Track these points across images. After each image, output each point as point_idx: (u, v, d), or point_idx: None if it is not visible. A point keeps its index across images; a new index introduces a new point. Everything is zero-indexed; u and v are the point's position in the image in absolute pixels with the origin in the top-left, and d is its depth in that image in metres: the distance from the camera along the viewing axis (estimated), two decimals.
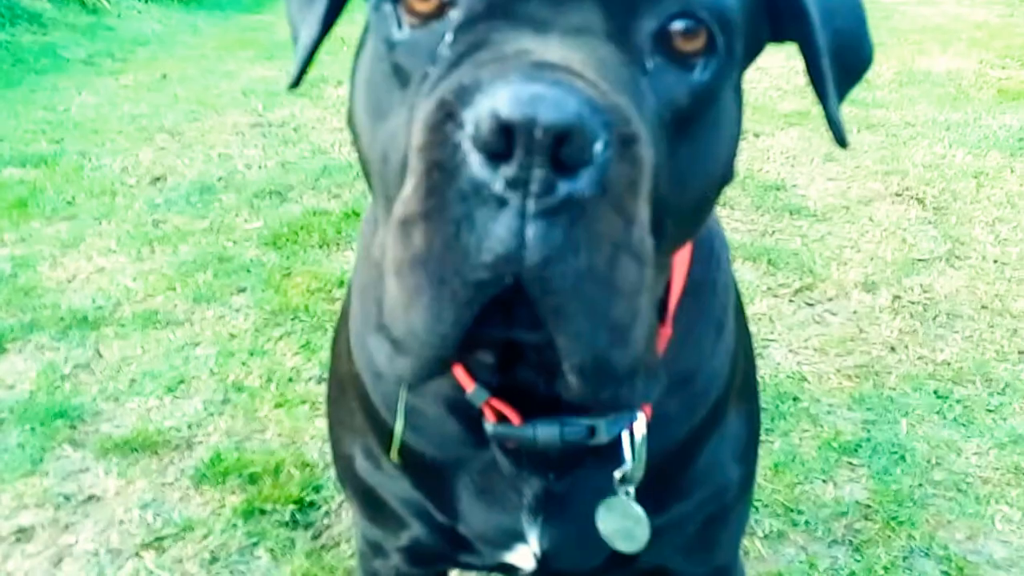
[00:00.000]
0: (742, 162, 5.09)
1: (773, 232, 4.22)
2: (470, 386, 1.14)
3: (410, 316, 0.83)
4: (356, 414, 1.42)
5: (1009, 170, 5.05)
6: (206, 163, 5.10)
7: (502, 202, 0.76)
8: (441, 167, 0.78)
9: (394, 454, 1.31)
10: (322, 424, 2.80)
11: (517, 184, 0.75)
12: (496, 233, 0.76)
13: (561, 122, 0.74)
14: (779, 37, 1.09)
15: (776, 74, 6.41)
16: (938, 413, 2.96)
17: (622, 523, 1.25)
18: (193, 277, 3.69)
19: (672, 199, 0.89)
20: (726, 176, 1.03)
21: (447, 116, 0.78)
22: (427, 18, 0.91)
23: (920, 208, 4.51)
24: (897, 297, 3.64)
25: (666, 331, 1.18)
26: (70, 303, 3.46)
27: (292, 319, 3.39)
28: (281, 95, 6.67)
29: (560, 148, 0.74)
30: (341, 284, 3.63)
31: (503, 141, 0.75)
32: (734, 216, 4.37)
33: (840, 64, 1.08)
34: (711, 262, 1.32)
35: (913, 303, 3.60)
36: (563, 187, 0.75)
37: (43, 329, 3.27)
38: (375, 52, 0.98)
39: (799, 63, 1.10)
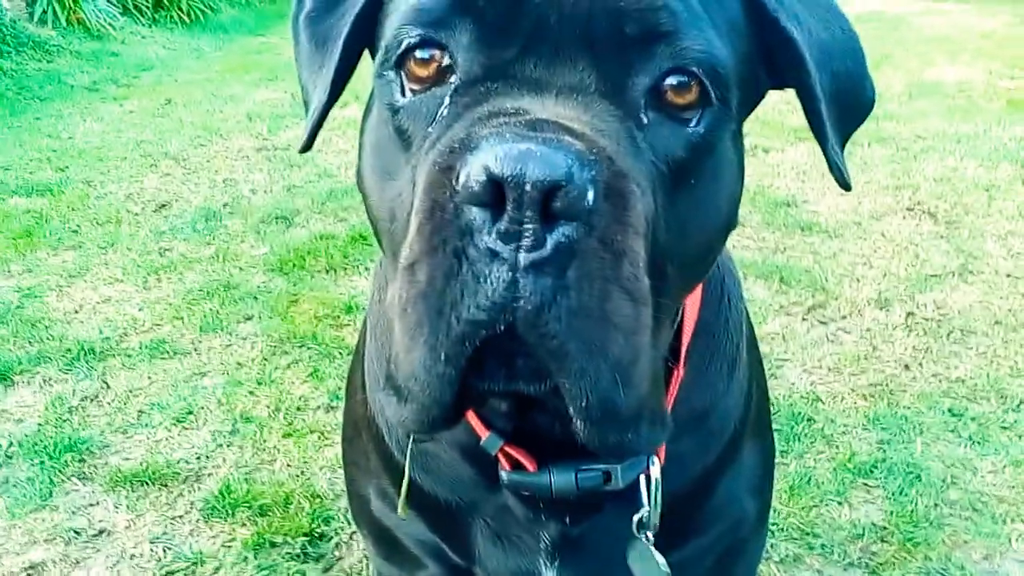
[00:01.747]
0: (752, 178, 5.09)
1: (785, 249, 4.19)
2: (484, 433, 1.14)
3: (411, 357, 0.84)
4: (371, 456, 1.41)
5: (1020, 182, 5.02)
6: (211, 189, 5.09)
7: (494, 254, 0.78)
8: (441, 216, 0.80)
9: (401, 510, 1.30)
10: (331, 454, 2.79)
11: (509, 238, 0.78)
12: (489, 283, 0.78)
13: (550, 178, 0.76)
14: (779, 83, 1.10)
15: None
16: (953, 431, 2.92)
17: (647, 568, 1.24)
18: (200, 305, 3.67)
19: (675, 248, 0.91)
20: (729, 224, 1.04)
21: (444, 171, 0.81)
22: (428, 83, 0.94)
23: (932, 222, 4.48)
24: (911, 314, 3.61)
25: (679, 372, 1.17)
26: (77, 334, 3.44)
27: (299, 347, 3.36)
28: (286, 118, 6.68)
29: (550, 202, 0.77)
30: (348, 310, 3.61)
31: (495, 196, 0.78)
32: (745, 234, 4.34)
33: (840, 106, 1.08)
34: (722, 301, 1.32)
35: (927, 320, 3.57)
36: (553, 238, 0.78)
37: (50, 361, 3.25)
38: (379, 117, 1.01)
39: None
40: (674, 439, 1.17)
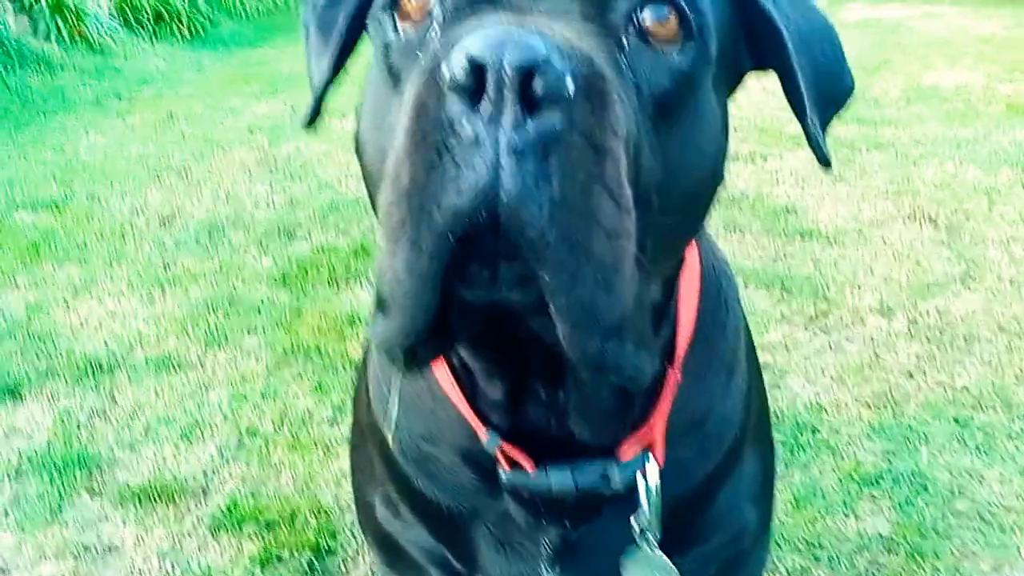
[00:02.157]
0: (751, 185, 5.13)
1: (785, 257, 4.20)
2: (484, 434, 1.16)
3: (393, 261, 0.84)
4: (376, 463, 1.43)
5: (1021, 186, 5.03)
6: (214, 202, 5.12)
7: (476, 139, 0.78)
8: (424, 114, 0.81)
9: (391, 441, 1.32)
10: (336, 468, 2.80)
11: (490, 120, 0.78)
12: (472, 166, 0.78)
13: (528, 59, 0.77)
14: (759, 63, 1.13)
15: (783, 95, 6.37)
16: (959, 441, 2.93)
17: (649, 574, 1.25)
18: (204, 319, 3.69)
19: (660, 183, 0.91)
20: (715, 174, 1.05)
21: (430, 72, 0.82)
22: (418, 20, 0.97)
23: (933, 228, 4.49)
24: (913, 321, 3.61)
25: (676, 376, 1.18)
26: (84, 348, 3.46)
27: (304, 359, 3.38)
28: (286, 130, 6.71)
29: (530, 86, 0.77)
30: (352, 322, 3.62)
31: (475, 80, 0.78)
32: (745, 241, 4.35)
33: (819, 91, 1.11)
34: (719, 304, 1.32)
35: (930, 327, 3.57)
36: (534, 122, 0.78)
37: (58, 376, 3.27)
38: (375, 63, 1.04)
39: None
40: (672, 445, 1.21)
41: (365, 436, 1.47)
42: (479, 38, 0.79)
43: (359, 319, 3.63)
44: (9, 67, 7.86)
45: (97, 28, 9.20)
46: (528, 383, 1.09)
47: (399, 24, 0.99)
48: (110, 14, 9.70)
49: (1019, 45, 9.00)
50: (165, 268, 4.22)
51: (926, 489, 2.71)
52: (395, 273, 0.84)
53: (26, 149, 6.17)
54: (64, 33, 8.88)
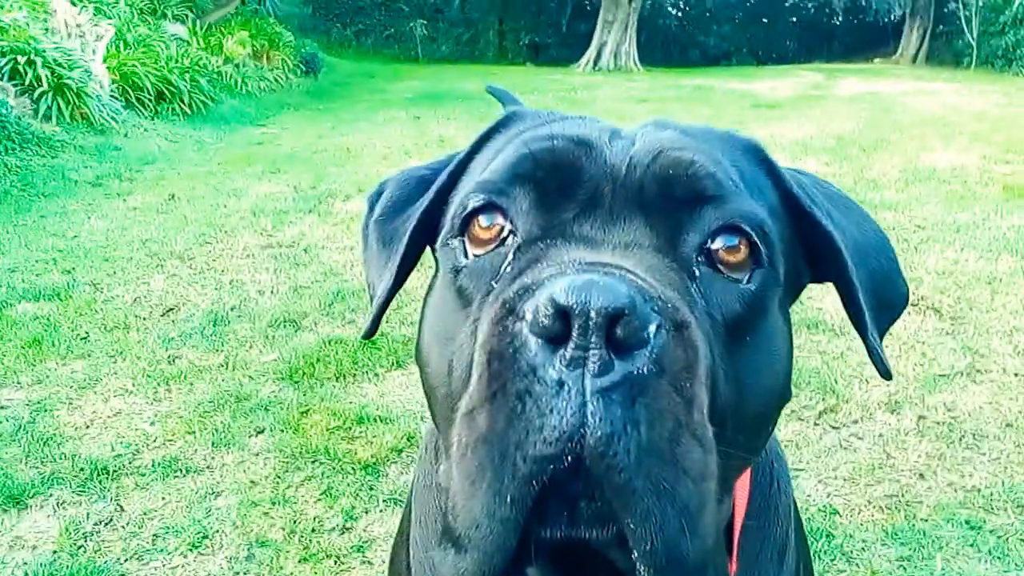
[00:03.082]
0: None
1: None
2: None
3: (472, 504, 0.84)
4: None
5: (1022, 274, 5.07)
6: (218, 290, 5.12)
7: (561, 384, 0.79)
8: (502, 356, 0.82)
9: None
10: None
11: (575, 364, 0.79)
12: (556, 411, 0.78)
13: (614, 304, 0.78)
14: (818, 277, 1.17)
15: None
16: (972, 546, 2.90)
17: None
18: (211, 418, 3.66)
19: (733, 407, 0.92)
20: (784, 392, 1.06)
21: (509, 312, 0.83)
22: (490, 245, 1.00)
23: (937, 319, 4.51)
24: (922, 417, 3.61)
25: (732, 567, 1.16)
26: (89, 452, 3.42)
27: (312, 462, 3.35)
28: (289, 213, 6.76)
29: (615, 330, 0.79)
30: (360, 421, 3.61)
31: (561, 325, 0.79)
32: None
33: (877, 300, 1.15)
34: (772, 487, 1.32)
35: (938, 423, 3.57)
36: (620, 367, 0.79)
37: (63, 482, 3.23)
38: (442, 283, 1.06)
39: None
40: None
41: None
42: (563, 284, 0.80)
43: (367, 418, 3.62)
44: (10, 148, 7.93)
45: (99, 108, 9.31)
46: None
47: (469, 249, 1.02)
48: (111, 94, 9.81)
49: (1011, 123, 9.16)
50: (170, 362, 4.20)
51: None
52: (473, 517, 0.84)
53: (27, 234, 6.19)
54: (65, 113, 8.99)
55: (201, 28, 14.06)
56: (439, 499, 0.94)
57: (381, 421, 3.61)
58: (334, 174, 8.13)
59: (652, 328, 0.80)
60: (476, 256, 1.00)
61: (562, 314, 0.79)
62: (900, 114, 9.91)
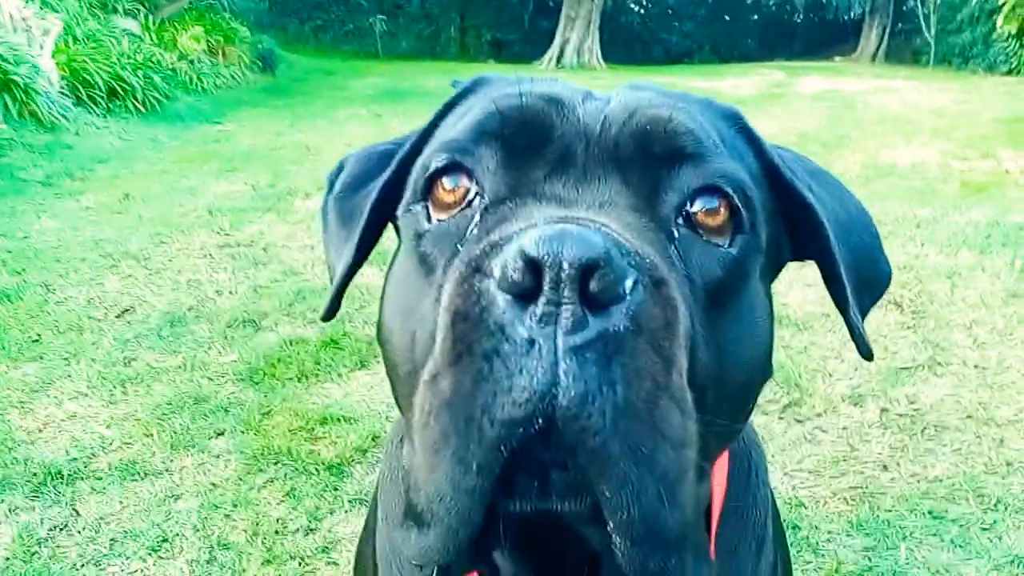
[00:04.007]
0: None
1: None
2: None
3: (435, 475, 0.78)
4: None
5: (980, 269, 5.14)
6: (175, 291, 5.02)
7: (532, 343, 0.73)
8: (468, 316, 0.76)
9: None
10: None
11: (547, 321, 0.73)
12: (526, 371, 0.73)
13: (588, 255, 0.73)
14: (799, 253, 1.13)
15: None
16: (935, 535, 2.93)
17: None
18: (170, 421, 3.59)
19: (713, 379, 0.87)
20: (765, 369, 1.02)
21: (475, 270, 0.78)
22: (454, 208, 0.94)
23: (899, 313, 4.55)
24: (885, 410, 3.64)
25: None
26: (43, 456, 3.33)
27: (274, 464, 3.29)
28: (247, 212, 6.66)
29: (589, 284, 0.73)
30: (323, 422, 3.55)
31: (531, 280, 0.73)
32: None
33: (859, 278, 1.11)
34: (750, 476, 1.30)
35: (900, 416, 3.60)
36: (595, 323, 0.73)
37: (16, 487, 3.14)
38: (404, 253, 1.00)
39: None
40: None
41: None
42: (534, 235, 0.75)
43: (330, 418, 3.56)
44: None
45: (48, 105, 9.10)
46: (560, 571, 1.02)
47: (432, 214, 0.96)
48: (61, 91, 9.60)
49: (970, 121, 9.31)
50: (126, 364, 4.11)
51: None
52: (436, 488, 0.79)
53: None
54: (12, 111, 8.76)
55: (154, 23, 13.83)
56: (404, 489, 0.88)
57: (345, 421, 3.56)
58: (293, 172, 8.03)
59: (629, 283, 0.75)
60: (440, 221, 0.94)
61: (533, 267, 0.73)
62: (861, 111, 10.03)
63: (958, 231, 5.84)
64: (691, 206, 0.92)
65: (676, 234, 0.90)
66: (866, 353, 1.12)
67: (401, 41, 27.22)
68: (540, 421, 0.73)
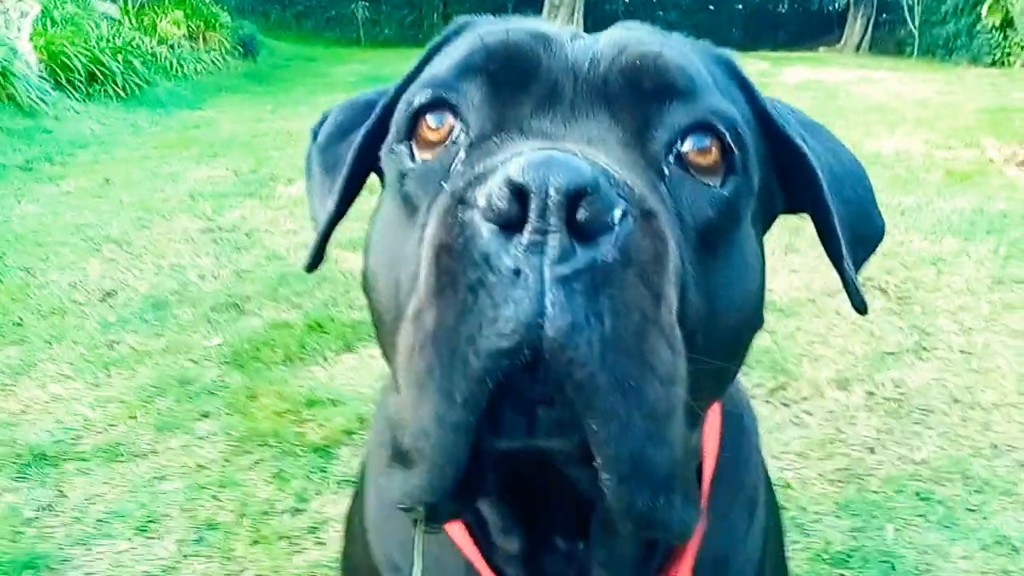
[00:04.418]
0: None
1: None
2: None
3: (420, 412, 0.76)
4: None
5: (965, 255, 5.18)
6: (158, 275, 4.98)
7: (518, 273, 0.71)
8: (452, 248, 0.74)
9: None
10: (301, 562, 2.70)
11: (533, 250, 0.71)
12: (512, 301, 0.71)
13: (576, 181, 0.71)
14: (792, 204, 1.11)
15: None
16: (922, 516, 2.95)
17: None
18: (154, 403, 3.56)
19: (704, 322, 0.85)
20: (756, 317, 1.01)
21: (459, 202, 0.75)
22: (438, 146, 0.91)
23: (884, 299, 4.58)
24: (871, 393, 3.66)
25: (702, 520, 1.13)
26: (27, 438, 3.30)
27: (261, 445, 3.27)
28: (229, 197, 6.62)
29: (577, 213, 0.71)
30: (309, 404, 3.53)
31: (517, 208, 0.71)
32: None
33: (852, 232, 1.08)
34: (742, 439, 1.29)
35: (887, 399, 3.62)
36: (582, 253, 0.71)
37: (1, 469, 3.11)
38: (387, 196, 0.98)
39: None
40: None
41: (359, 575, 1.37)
42: (520, 162, 0.73)
43: (316, 401, 3.55)
44: None
45: (27, 89, 8.99)
46: (549, 536, 1.02)
47: (416, 153, 0.94)
48: (39, 75, 9.49)
49: (953, 110, 9.37)
50: (109, 347, 4.07)
51: (894, 568, 2.72)
52: (421, 424, 0.76)
53: None
54: None
55: (133, 7, 13.70)
56: (390, 436, 0.86)
57: (332, 404, 3.54)
58: (275, 158, 7.97)
59: (617, 213, 0.73)
60: (424, 160, 0.92)
61: (518, 195, 0.71)
62: (845, 101, 10.08)
63: (943, 218, 5.88)
64: (682, 144, 0.90)
65: (666, 172, 0.88)
66: (859, 304, 1.10)
67: (383, 28, 27.06)
68: (526, 352, 0.71)
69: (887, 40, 24.89)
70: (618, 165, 0.81)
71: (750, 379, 3.74)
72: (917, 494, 3.05)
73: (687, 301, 0.82)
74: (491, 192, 0.73)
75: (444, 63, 0.98)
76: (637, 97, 0.90)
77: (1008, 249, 5.31)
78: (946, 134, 8.18)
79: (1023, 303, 4.54)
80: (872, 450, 3.30)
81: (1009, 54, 17.73)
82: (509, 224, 0.72)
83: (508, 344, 0.71)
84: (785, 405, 3.59)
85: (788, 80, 12.37)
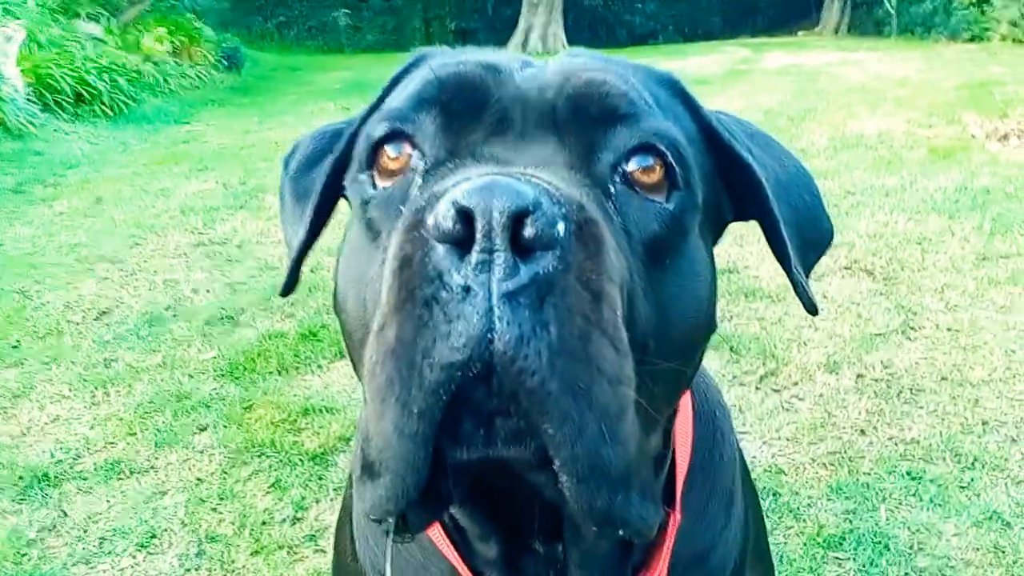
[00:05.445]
0: None
1: (731, 317, 4.27)
2: None
3: (383, 423, 0.80)
4: None
5: (950, 233, 5.21)
6: (151, 291, 5.02)
7: (468, 290, 0.76)
8: (410, 264, 0.79)
9: None
10: (301, 570, 2.73)
11: (481, 268, 0.76)
12: (463, 317, 0.75)
13: (517, 203, 0.76)
14: (741, 214, 1.15)
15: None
16: (914, 495, 2.98)
17: None
18: (152, 419, 3.60)
19: (656, 334, 0.90)
20: (709, 321, 1.05)
21: (417, 222, 0.80)
22: (397, 175, 0.98)
23: (871, 280, 4.61)
24: (860, 376, 3.69)
25: (676, 518, 1.16)
26: (27, 459, 3.34)
27: (258, 456, 3.31)
28: (220, 210, 6.64)
29: (523, 231, 0.76)
30: (305, 413, 3.57)
31: (464, 229, 0.76)
32: None
33: (801, 237, 1.14)
34: (715, 436, 1.32)
35: (876, 381, 3.66)
36: (526, 269, 0.76)
37: (2, 492, 3.14)
38: (354, 222, 1.04)
39: None
40: None
41: None
42: (466, 187, 0.78)
43: (312, 409, 3.58)
44: None
45: (15, 113, 9.02)
46: (524, 540, 1.05)
47: (377, 182, 0.99)
48: (27, 98, 9.51)
49: (933, 89, 9.39)
50: (106, 365, 4.11)
51: (888, 548, 2.75)
52: (383, 436, 0.81)
53: None
54: None
55: (117, 27, 13.71)
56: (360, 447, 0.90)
57: (327, 412, 3.58)
58: (263, 169, 8.00)
59: (561, 227, 0.78)
60: (384, 188, 0.98)
61: (465, 217, 0.76)
62: (826, 84, 10.11)
63: (926, 197, 5.91)
64: (627, 164, 0.95)
65: (613, 191, 0.94)
66: (810, 308, 1.15)
67: (366, 34, 27.01)
68: (478, 365, 0.75)
69: (865, 21, 24.80)
70: (563, 184, 0.85)
71: (740, 366, 3.78)
72: (908, 474, 3.09)
73: (637, 311, 0.88)
74: (439, 214, 0.77)
75: (401, 96, 1.04)
76: (583, 122, 0.96)
77: (992, 225, 5.35)
78: (927, 112, 8.21)
79: (1008, 278, 4.57)
80: (863, 432, 3.33)
81: (987, 29, 17.74)
82: (461, 243, 0.77)
83: (460, 357, 0.76)
84: (775, 391, 3.63)
85: (769, 66, 12.39)
